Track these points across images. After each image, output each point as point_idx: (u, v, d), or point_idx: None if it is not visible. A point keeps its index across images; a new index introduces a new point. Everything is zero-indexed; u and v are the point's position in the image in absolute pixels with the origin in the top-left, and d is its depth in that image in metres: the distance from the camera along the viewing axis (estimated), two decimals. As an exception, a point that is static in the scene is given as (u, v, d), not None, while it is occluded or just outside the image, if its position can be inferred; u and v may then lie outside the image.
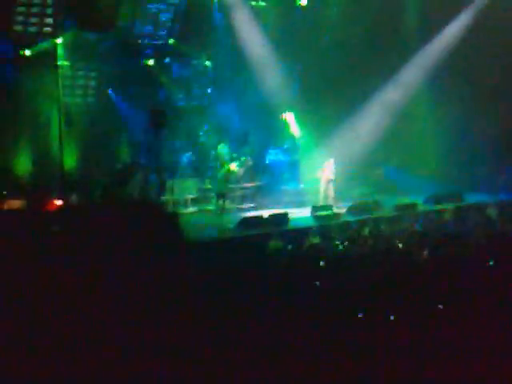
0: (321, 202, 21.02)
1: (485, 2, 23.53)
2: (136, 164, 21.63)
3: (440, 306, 8.48)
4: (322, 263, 11.57)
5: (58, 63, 20.20)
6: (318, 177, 21.60)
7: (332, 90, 24.28)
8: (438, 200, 21.20)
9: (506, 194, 21.96)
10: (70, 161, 20.69)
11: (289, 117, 24.75)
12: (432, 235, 15.06)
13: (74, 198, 19.41)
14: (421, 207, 20.63)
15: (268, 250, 14.57)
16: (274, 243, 15.28)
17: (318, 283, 9.36)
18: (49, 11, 19.59)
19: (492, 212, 19.31)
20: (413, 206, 20.53)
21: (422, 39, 24.22)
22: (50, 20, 19.70)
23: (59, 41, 20.14)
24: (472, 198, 21.75)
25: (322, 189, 21.44)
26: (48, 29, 19.80)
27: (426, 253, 12.38)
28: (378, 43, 23.76)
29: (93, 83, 22.38)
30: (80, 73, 22.06)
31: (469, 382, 6.46)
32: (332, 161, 21.50)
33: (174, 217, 15.06)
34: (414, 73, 24.41)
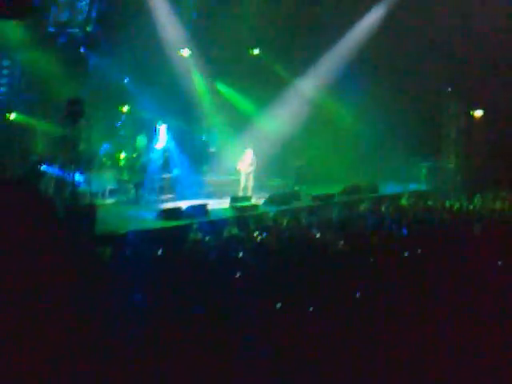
0: (240, 193, 21.08)
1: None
2: (52, 155, 21.17)
3: (358, 295, 8.64)
4: (240, 254, 11.62)
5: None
6: (238, 168, 21.64)
7: (251, 82, 24.35)
8: (354, 190, 21.57)
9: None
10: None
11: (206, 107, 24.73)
12: (348, 225, 15.34)
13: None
14: (338, 198, 20.94)
15: (187, 242, 14.53)
16: (193, 234, 15.26)
17: (237, 274, 9.39)
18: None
19: (404, 202, 19.84)
20: (330, 196, 20.83)
21: (336, 34, 24.47)
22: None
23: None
24: (388, 189, 22.25)
25: (241, 180, 21.50)
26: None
27: (342, 242, 12.58)
28: (294, 37, 23.93)
29: (5, 72, 21.74)
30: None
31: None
32: (251, 151, 21.58)
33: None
34: (330, 63, 24.64)
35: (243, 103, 24.92)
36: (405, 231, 14.12)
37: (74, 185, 19.15)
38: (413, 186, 22.80)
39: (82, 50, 22.88)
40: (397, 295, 8.66)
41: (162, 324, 6.87)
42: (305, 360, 6.33)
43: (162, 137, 23.44)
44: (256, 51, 24.72)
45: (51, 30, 21.47)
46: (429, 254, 11.36)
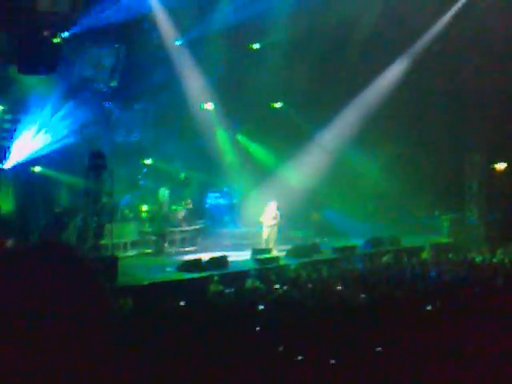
0: (263, 245, 21.00)
1: (420, 48, 24.22)
2: (75, 207, 21.37)
3: (379, 349, 8.56)
4: (261, 307, 11.57)
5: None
6: (260, 220, 21.57)
7: (272, 133, 24.57)
8: (376, 243, 21.48)
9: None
10: (6, 204, 20.34)
11: (229, 159, 24.98)
12: (370, 278, 15.25)
13: (10, 242, 19.04)
14: (359, 250, 20.86)
15: (208, 294, 14.52)
16: (213, 286, 15.25)
17: (258, 328, 9.34)
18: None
19: (426, 254, 19.73)
20: (351, 248, 20.75)
21: (361, 84, 24.75)
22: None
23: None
24: (409, 241, 22.11)
25: (264, 232, 21.38)
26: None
27: (364, 295, 12.50)
28: (318, 86, 24.17)
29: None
30: (7, 116, 21.70)
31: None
32: (274, 204, 21.51)
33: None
34: (352, 117, 24.86)
35: (265, 156, 25.11)
36: (426, 284, 14.02)
37: (96, 236, 19.30)
38: (435, 239, 22.64)
39: (105, 104, 23.27)
40: (418, 350, 8.58)
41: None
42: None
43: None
44: (278, 105, 25.02)
45: (76, 84, 21.88)
46: (451, 308, 11.26)
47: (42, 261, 2.08)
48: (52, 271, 2.06)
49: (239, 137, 25.57)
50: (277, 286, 14.32)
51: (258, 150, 25.58)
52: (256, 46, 24.57)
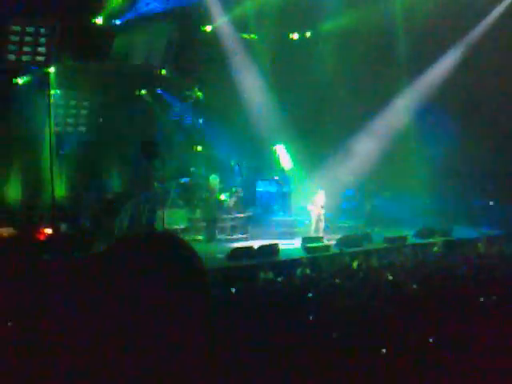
0: (312, 234, 21.03)
1: (474, 39, 23.87)
2: (126, 194, 21.62)
3: (430, 340, 8.47)
4: (310, 295, 11.55)
5: (51, 92, 20.26)
6: (309, 209, 21.64)
7: (323, 122, 24.47)
8: (428, 233, 21.25)
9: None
10: (60, 190, 20.68)
11: (279, 148, 24.96)
12: (421, 268, 15.10)
13: (63, 227, 19.37)
14: (411, 240, 20.68)
15: (258, 281, 14.55)
16: (263, 274, 15.28)
17: (310, 316, 9.33)
18: (42, 40, 19.68)
19: (481, 247, 19.42)
20: (403, 238, 20.57)
21: (414, 74, 24.51)
22: (42, 49, 19.77)
23: (52, 70, 20.21)
24: (462, 233, 21.83)
25: (313, 220, 21.46)
26: (41, 58, 19.86)
27: (415, 286, 12.39)
28: (369, 77, 23.98)
29: (84, 112, 22.45)
30: (72, 102, 22.13)
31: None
32: (322, 192, 21.54)
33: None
34: (406, 105, 24.64)
35: (316, 144, 24.99)
36: (480, 276, 13.82)
37: (148, 223, 19.51)
38: (488, 230, 22.29)
39: (158, 91, 23.48)
40: (470, 341, 8.46)
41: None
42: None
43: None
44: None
45: (129, 71, 22.13)
46: (504, 301, 11.08)
47: (154, 250, 2.08)
48: (165, 261, 2.06)
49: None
50: (327, 275, 14.29)
51: (309, 138, 25.50)
52: (308, 34, 24.57)
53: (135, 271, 2.01)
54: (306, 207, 21.95)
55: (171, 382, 2.00)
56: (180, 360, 2.02)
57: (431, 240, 20.58)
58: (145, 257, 2.04)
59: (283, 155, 25.16)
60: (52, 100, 20.33)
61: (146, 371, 1.98)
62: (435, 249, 19.29)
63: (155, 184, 21.45)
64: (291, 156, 25.03)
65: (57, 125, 21.15)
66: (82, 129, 22.48)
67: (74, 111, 22.30)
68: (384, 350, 7.73)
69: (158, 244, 2.10)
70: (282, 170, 25.28)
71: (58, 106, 21.32)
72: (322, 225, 21.43)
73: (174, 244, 2.11)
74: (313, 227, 21.38)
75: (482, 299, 11.12)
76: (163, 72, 22.99)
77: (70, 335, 2.08)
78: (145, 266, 2.02)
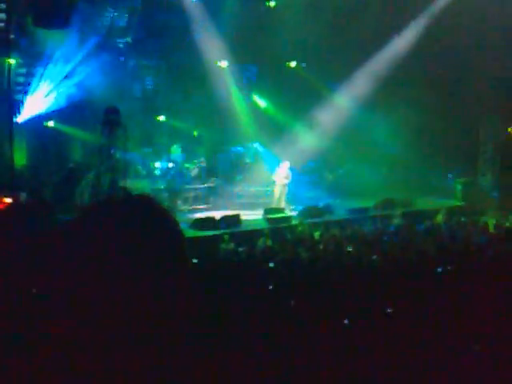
0: (274, 205, 21.08)
1: (436, 10, 23.95)
2: (87, 163, 21.42)
3: (389, 310, 8.59)
4: (271, 265, 11.62)
5: (10, 60, 19.89)
6: (273, 179, 21.66)
7: (286, 94, 24.43)
8: (388, 205, 21.44)
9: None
10: (20, 159, 20.41)
11: (242, 119, 24.92)
12: (381, 240, 15.27)
13: (23, 196, 19.13)
14: (371, 212, 20.85)
15: (220, 252, 14.58)
16: (225, 245, 15.31)
17: (270, 286, 9.39)
18: (2, 6, 19.30)
19: (439, 217, 19.69)
20: (364, 210, 20.75)
21: (376, 46, 24.53)
22: (3, 15, 19.39)
23: (12, 36, 19.81)
24: (422, 204, 22.09)
25: (276, 191, 21.49)
26: (1, 24, 19.47)
27: (375, 257, 12.53)
28: (333, 48, 23.93)
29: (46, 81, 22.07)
30: (32, 69, 21.75)
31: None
32: (287, 164, 21.56)
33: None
34: (367, 78, 24.70)
35: (279, 115, 25.01)
36: (438, 247, 14.02)
37: (110, 192, 19.34)
38: (448, 202, 22.60)
39: (121, 59, 23.17)
40: (429, 312, 8.60)
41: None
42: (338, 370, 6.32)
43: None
44: (293, 64, 24.86)
45: (90, 39, 21.79)
46: (462, 272, 11.26)
47: (130, 212, 2.06)
48: (141, 222, 2.04)
49: (254, 95, 25.46)
50: (289, 246, 14.37)
51: (272, 110, 25.48)
52: (272, 3, 24.38)
53: (117, 233, 2.00)
54: (271, 178, 21.95)
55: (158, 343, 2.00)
56: (167, 319, 2.03)
57: (392, 211, 20.78)
58: (127, 219, 2.04)
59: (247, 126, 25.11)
60: (13, 68, 19.97)
61: (134, 335, 1.99)
62: (396, 220, 19.49)
63: (117, 153, 21.25)
64: (255, 127, 24.96)
65: (16, 92, 20.79)
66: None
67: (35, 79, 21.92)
68: (346, 321, 7.83)
69: (139, 206, 2.09)
70: (245, 140, 25.23)
71: (19, 74, 20.94)
72: (284, 196, 21.50)
73: (154, 207, 2.11)
74: (275, 198, 21.44)
75: (439, 269, 11.29)
76: (127, 39, 22.70)
77: (56, 301, 2.07)
78: (127, 227, 2.02)
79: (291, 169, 21.61)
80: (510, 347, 7.27)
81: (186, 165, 22.82)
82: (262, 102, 25.56)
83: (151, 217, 2.08)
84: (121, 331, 1.99)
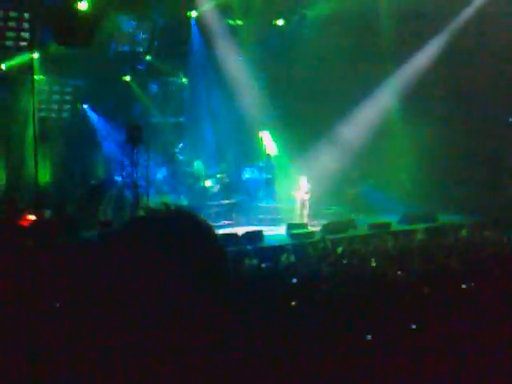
0: (296, 220, 21.05)
1: (457, 27, 23.90)
2: (111, 180, 21.57)
3: (413, 326, 8.53)
4: (294, 280, 11.60)
5: (34, 77, 20.12)
6: (293, 195, 21.65)
7: (308, 109, 24.42)
8: (411, 219, 21.33)
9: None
10: (44, 176, 20.61)
11: (264, 135, 24.94)
12: (405, 254, 15.17)
13: (47, 213, 19.29)
14: (395, 226, 20.75)
15: (243, 268, 14.57)
16: (248, 260, 15.30)
17: (293, 302, 9.37)
18: (25, 25, 19.52)
19: (465, 233, 19.53)
20: (387, 225, 20.65)
21: (398, 61, 24.50)
22: (26, 34, 19.63)
23: (35, 55, 20.06)
24: (446, 219, 21.93)
25: (297, 207, 21.46)
26: (24, 43, 19.71)
27: (399, 272, 12.45)
28: (354, 64, 23.91)
29: (68, 98, 22.34)
30: (56, 87, 22.01)
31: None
32: (305, 179, 21.51)
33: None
34: (389, 93, 24.66)
35: (301, 131, 24.99)
36: (463, 262, 13.90)
37: (133, 208, 19.47)
38: (472, 217, 22.40)
39: (143, 79, 23.41)
40: (453, 327, 8.53)
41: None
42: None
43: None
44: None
45: (113, 58, 22.00)
46: (485, 287, 11.15)
47: (176, 227, 2.07)
48: (187, 237, 2.05)
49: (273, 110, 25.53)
50: (312, 261, 14.33)
51: (292, 124, 25.50)
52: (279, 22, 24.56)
53: (161, 247, 2.01)
54: (291, 194, 21.94)
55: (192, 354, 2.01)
56: (204, 334, 2.04)
57: (415, 226, 20.67)
58: (172, 233, 2.04)
59: (268, 141, 25.12)
60: (36, 86, 20.18)
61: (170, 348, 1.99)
62: (419, 235, 19.37)
63: (140, 169, 21.39)
64: (276, 142, 25.00)
65: (41, 110, 21.03)
66: (66, 114, 22.37)
67: (57, 97, 22.18)
68: (369, 337, 7.78)
69: (184, 221, 2.10)
70: (267, 156, 25.26)
71: (42, 91, 21.18)
72: (306, 211, 21.45)
73: (198, 222, 2.11)
74: (297, 213, 21.40)
75: (464, 286, 11.20)
76: (148, 57, 22.90)
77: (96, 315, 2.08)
78: (172, 242, 2.02)
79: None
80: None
81: (209, 180, 22.89)
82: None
83: (196, 232, 2.09)
84: (160, 345, 1.99)
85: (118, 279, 1.99)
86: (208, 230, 2.10)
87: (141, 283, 1.96)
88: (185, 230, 2.04)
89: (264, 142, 25.02)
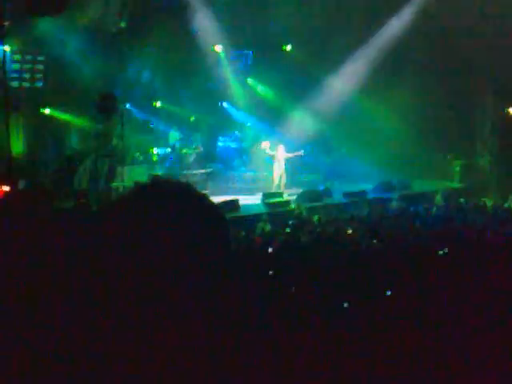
0: (272, 189, 21.05)
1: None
2: (85, 150, 21.39)
3: (388, 293, 8.60)
4: (270, 249, 11.63)
5: (5, 47, 19.78)
6: (270, 155, 21.42)
7: (283, 78, 24.33)
8: (387, 187, 21.45)
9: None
10: (17, 146, 20.35)
11: (239, 104, 24.87)
12: (380, 222, 15.28)
13: (21, 184, 19.10)
14: (370, 194, 20.86)
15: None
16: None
17: (270, 272, 9.39)
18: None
19: (438, 200, 19.70)
20: (362, 193, 20.75)
21: (370, 33, 24.39)
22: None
23: (6, 23, 19.68)
24: (420, 186, 22.09)
25: (274, 176, 21.38)
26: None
27: (374, 240, 12.53)
28: (327, 36, 23.79)
29: (41, 67, 21.99)
30: (28, 57, 21.64)
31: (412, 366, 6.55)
32: (282, 147, 21.48)
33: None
34: (362, 62, 24.57)
35: (276, 99, 24.93)
36: (437, 229, 14.03)
37: (108, 179, 19.35)
38: (446, 184, 22.59)
39: (116, 46, 23.06)
40: (429, 294, 8.61)
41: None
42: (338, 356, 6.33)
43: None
44: (289, 47, 24.75)
45: (85, 26, 21.65)
46: (461, 253, 11.26)
47: (173, 197, 2.04)
48: (185, 206, 2.02)
49: (250, 79, 25.37)
50: (287, 230, 14.38)
51: (268, 94, 25.41)
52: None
53: (159, 218, 1.99)
54: (268, 161, 21.91)
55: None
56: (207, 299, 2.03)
57: (390, 194, 20.79)
58: (169, 203, 2.02)
59: (242, 111, 25.06)
60: (7, 55, 19.86)
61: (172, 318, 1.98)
62: (394, 203, 19.50)
63: (114, 140, 21.24)
64: (251, 112, 24.90)
65: (11, 80, 20.69)
66: (39, 84, 22.04)
67: (29, 66, 21.82)
68: (346, 305, 7.83)
69: (180, 191, 2.08)
70: (242, 125, 25.18)
71: (13, 61, 20.84)
72: (282, 180, 21.45)
73: (192, 192, 2.09)
74: (275, 183, 21.39)
75: (439, 252, 11.30)
76: (122, 25, 22.58)
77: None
78: (170, 212, 2.00)
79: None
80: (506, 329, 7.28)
81: (184, 150, 22.78)
82: (258, 87, 25.46)
83: (192, 201, 2.07)
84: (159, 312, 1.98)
85: (121, 245, 1.97)
86: (206, 200, 2.10)
87: (148, 249, 1.95)
88: (190, 199, 2.03)
89: (238, 112, 24.95)
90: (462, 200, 19.27)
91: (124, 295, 1.94)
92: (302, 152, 21.24)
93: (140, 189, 2.07)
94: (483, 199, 19.15)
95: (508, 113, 24.05)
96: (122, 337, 1.94)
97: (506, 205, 18.16)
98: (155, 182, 2.11)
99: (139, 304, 1.93)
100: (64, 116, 21.72)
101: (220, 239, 2.06)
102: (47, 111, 21.39)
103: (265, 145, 21.68)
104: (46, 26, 20.37)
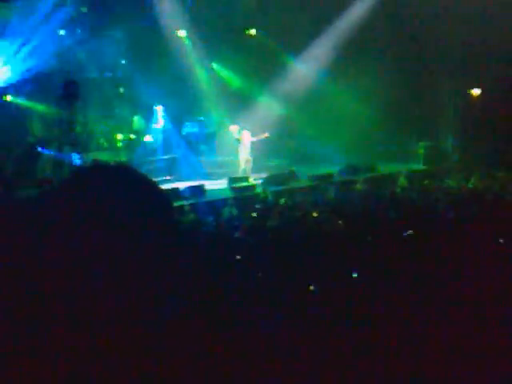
0: (238, 174, 20.99)
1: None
2: (49, 137, 21.15)
3: (355, 275, 8.66)
4: (237, 234, 11.63)
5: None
6: (236, 138, 21.33)
7: (247, 62, 24.29)
8: (352, 170, 21.55)
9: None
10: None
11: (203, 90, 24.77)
12: (346, 205, 15.35)
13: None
14: (336, 177, 20.94)
15: (184, 223, 14.54)
16: (190, 215, 15.27)
17: (237, 256, 9.40)
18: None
19: (402, 182, 19.85)
20: (328, 176, 20.82)
21: (333, 17, 24.38)
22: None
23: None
24: (385, 168, 22.23)
25: (240, 160, 21.33)
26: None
27: (340, 222, 12.58)
28: (291, 20, 23.77)
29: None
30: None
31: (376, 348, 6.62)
32: (247, 132, 21.42)
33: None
34: (325, 47, 24.57)
35: (240, 83, 24.87)
36: (402, 210, 14.13)
37: (72, 166, 19.16)
38: (410, 166, 22.76)
39: (78, 31, 22.81)
40: (394, 276, 8.68)
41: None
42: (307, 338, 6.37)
43: (160, 118, 23.46)
44: (253, 32, 24.68)
45: (44, 11, 21.35)
46: (425, 234, 11.35)
47: (114, 180, 2.04)
48: (126, 188, 2.02)
49: (214, 65, 25.27)
50: (254, 214, 14.37)
51: (233, 78, 25.34)
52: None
53: (103, 200, 1.99)
54: (234, 147, 21.85)
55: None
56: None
57: (355, 177, 20.89)
58: (112, 186, 2.02)
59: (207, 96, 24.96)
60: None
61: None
62: (359, 185, 19.60)
63: (77, 126, 21.01)
64: (216, 97, 24.82)
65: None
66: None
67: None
68: (312, 287, 7.87)
69: (122, 174, 2.08)
70: (208, 110, 25.08)
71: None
72: (248, 164, 21.40)
73: (134, 174, 2.10)
74: (240, 167, 21.34)
75: (404, 233, 11.39)
76: (83, 10, 22.32)
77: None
78: (113, 194, 2.00)
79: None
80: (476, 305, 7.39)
81: (148, 136, 22.66)
82: (222, 71, 25.38)
83: (135, 183, 2.07)
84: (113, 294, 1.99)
85: (66, 225, 1.97)
86: (151, 183, 2.09)
87: (90, 230, 1.95)
88: (130, 181, 2.03)
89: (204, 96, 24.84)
90: (425, 182, 19.44)
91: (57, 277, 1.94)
92: (266, 134, 21.14)
93: (80, 173, 2.07)
94: (447, 181, 19.34)
95: (470, 95, 24.26)
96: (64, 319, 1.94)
97: (469, 185, 18.34)
98: (95, 165, 2.11)
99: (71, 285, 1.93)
100: (25, 103, 21.45)
101: (161, 219, 2.07)
102: (9, 98, 21.09)
103: (233, 128, 21.64)
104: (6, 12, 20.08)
